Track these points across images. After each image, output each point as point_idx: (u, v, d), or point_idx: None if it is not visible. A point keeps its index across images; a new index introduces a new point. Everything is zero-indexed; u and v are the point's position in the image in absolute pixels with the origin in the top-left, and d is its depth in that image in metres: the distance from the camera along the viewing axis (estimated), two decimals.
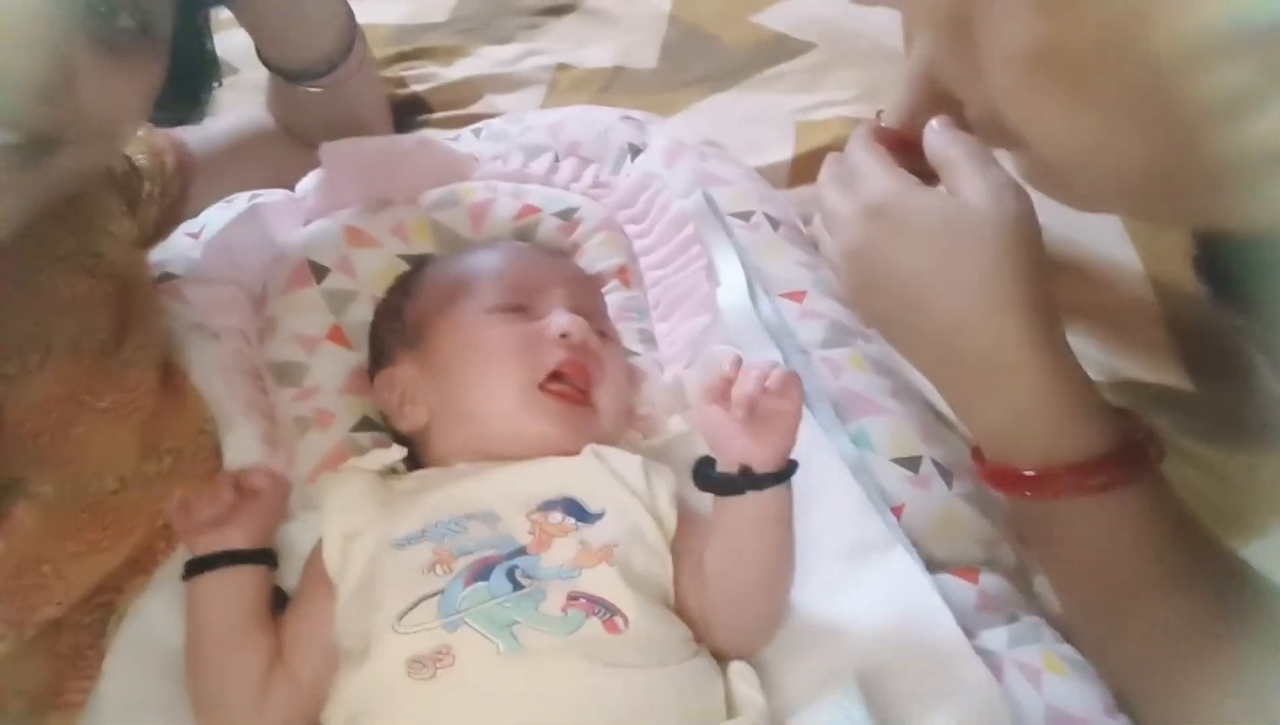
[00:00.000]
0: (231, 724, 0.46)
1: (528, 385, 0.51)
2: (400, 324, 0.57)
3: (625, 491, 0.48)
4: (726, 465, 0.45)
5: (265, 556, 0.50)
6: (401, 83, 0.95)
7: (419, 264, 0.62)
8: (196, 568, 0.49)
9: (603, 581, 0.44)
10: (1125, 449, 0.45)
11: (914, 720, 0.43)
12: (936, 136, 0.49)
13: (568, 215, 0.67)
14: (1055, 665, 0.48)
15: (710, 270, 0.63)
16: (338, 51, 0.70)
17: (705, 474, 0.46)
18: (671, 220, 0.66)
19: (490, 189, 0.68)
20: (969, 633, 0.49)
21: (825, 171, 0.53)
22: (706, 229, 0.64)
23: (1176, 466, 0.65)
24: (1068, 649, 0.50)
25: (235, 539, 0.49)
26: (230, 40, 0.78)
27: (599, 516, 0.47)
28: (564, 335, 0.52)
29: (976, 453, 0.50)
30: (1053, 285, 0.47)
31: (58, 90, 0.42)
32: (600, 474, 0.49)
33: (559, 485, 0.48)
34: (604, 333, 0.56)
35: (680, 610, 0.47)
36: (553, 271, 0.59)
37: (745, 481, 0.44)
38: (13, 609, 0.47)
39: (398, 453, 0.53)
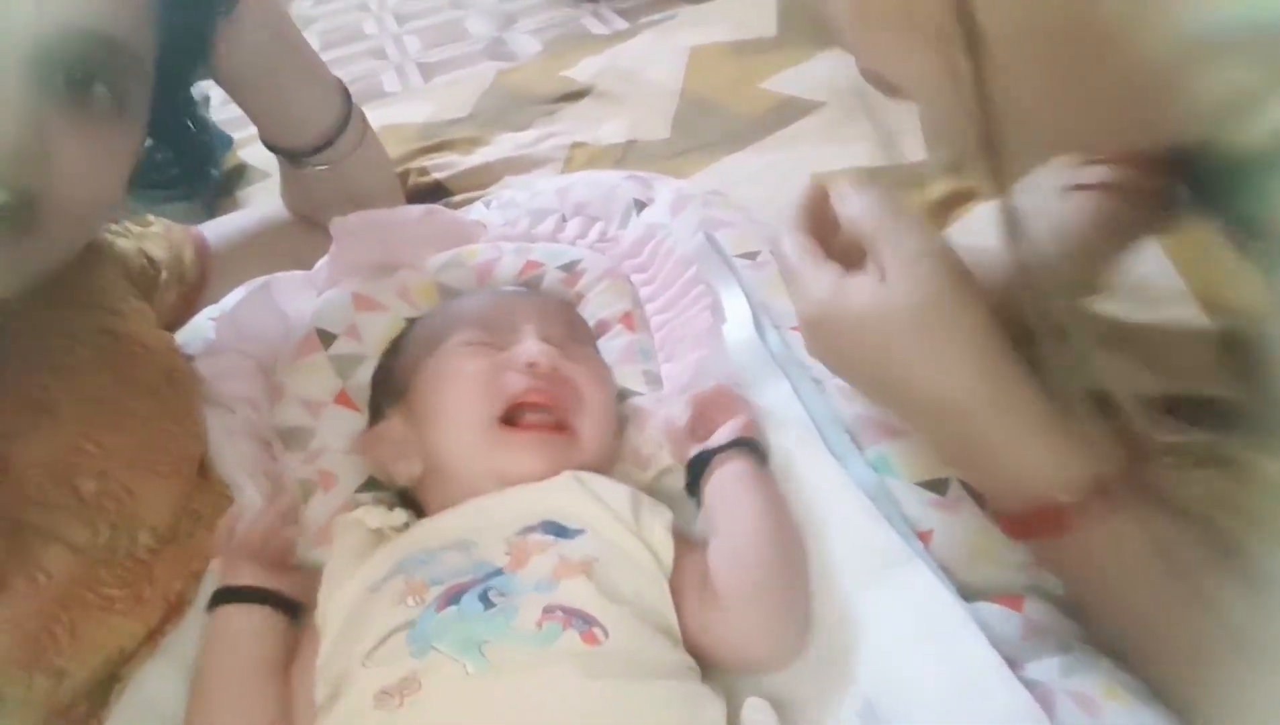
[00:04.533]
0: None
1: (489, 419, 0.50)
2: (389, 380, 0.57)
3: (607, 514, 0.46)
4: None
5: (295, 607, 0.49)
6: (424, 172, 0.98)
7: (410, 322, 0.62)
8: (227, 598, 0.48)
9: (581, 593, 0.42)
10: (1117, 467, 0.43)
11: None
12: (847, 207, 0.48)
13: (570, 267, 0.67)
14: (1116, 694, 0.43)
15: (715, 307, 0.61)
16: (334, 125, 0.72)
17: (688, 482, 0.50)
18: (675, 264, 0.65)
19: (495, 249, 0.68)
20: (1014, 664, 0.44)
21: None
22: (710, 267, 0.63)
23: (1235, 484, 0.61)
24: (1129, 678, 0.44)
25: (276, 580, 0.49)
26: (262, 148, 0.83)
27: (578, 532, 0.45)
28: (531, 363, 0.51)
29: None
30: (995, 332, 0.45)
31: (33, 153, 0.43)
32: (579, 495, 0.47)
33: (538, 510, 0.47)
34: (583, 359, 0.55)
35: (694, 646, 0.44)
36: (526, 305, 0.59)
37: (706, 455, 0.50)
38: (24, 653, 0.46)
39: (399, 517, 0.51)
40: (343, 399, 0.60)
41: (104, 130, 0.46)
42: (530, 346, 0.52)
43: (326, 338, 0.62)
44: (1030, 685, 0.43)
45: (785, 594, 0.45)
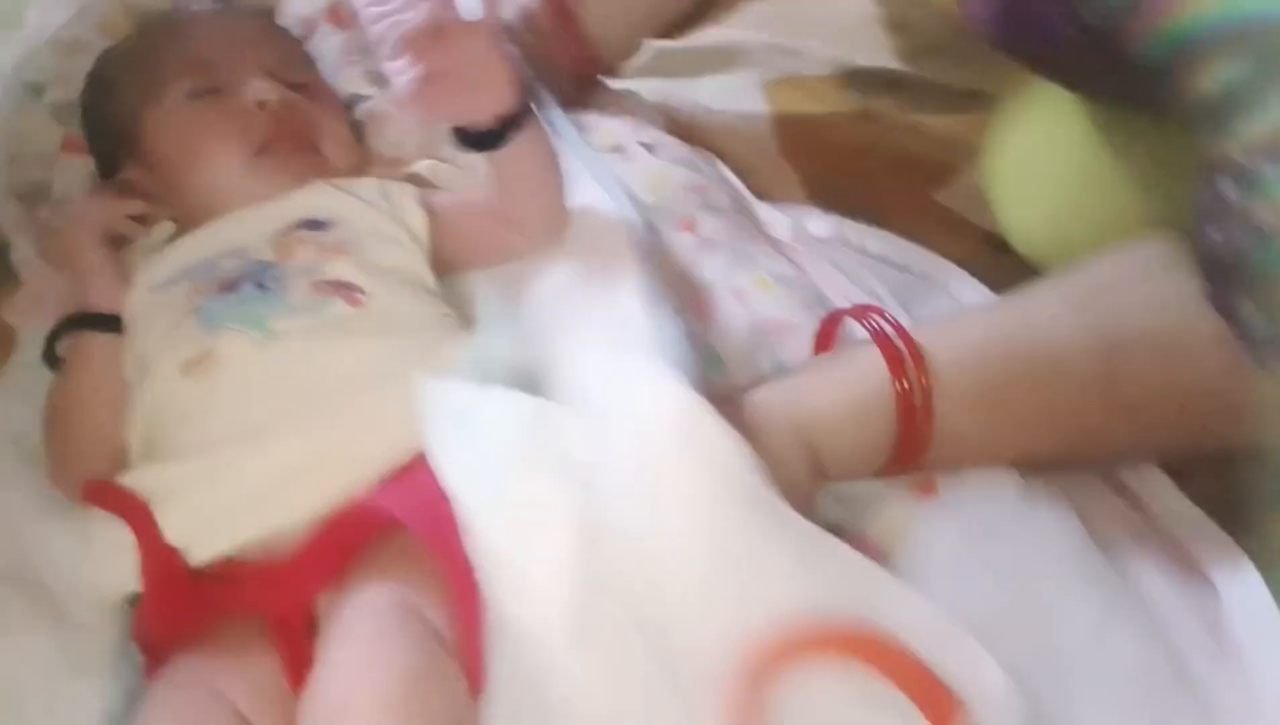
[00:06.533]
0: (93, 468, 0.49)
1: (246, 158, 0.54)
2: (109, 130, 0.58)
3: (359, 203, 0.53)
4: (474, 124, 0.49)
5: None
6: None
7: (102, 57, 0.62)
8: (91, 323, 0.51)
9: (343, 269, 0.49)
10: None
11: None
12: None
13: None
14: (764, 283, 0.54)
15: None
16: None
17: (463, 135, 0.50)
18: None
19: None
20: (692, 265, 0.55)
21: None
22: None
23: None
24: (780, 265, 0.55)
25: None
26: None
27: (333, 224, 0.52)
28: (261, 103, 0.54)
29: None
30: None
31: None
32: (330, 193, 0.53)
33: (295, 213, 0.52)
34: (306, 85, 0.57)
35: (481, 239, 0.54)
36: (241, 36, 0.59)
37: (497, 134, 0.49)
38: None
39: (168, 227, 0.55)
40: (71, 146, 0.61)
41: None
42: (257, 85, 0.54)
43: (36, 88, 0.62)
44: (702, 287, 0.54)
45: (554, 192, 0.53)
